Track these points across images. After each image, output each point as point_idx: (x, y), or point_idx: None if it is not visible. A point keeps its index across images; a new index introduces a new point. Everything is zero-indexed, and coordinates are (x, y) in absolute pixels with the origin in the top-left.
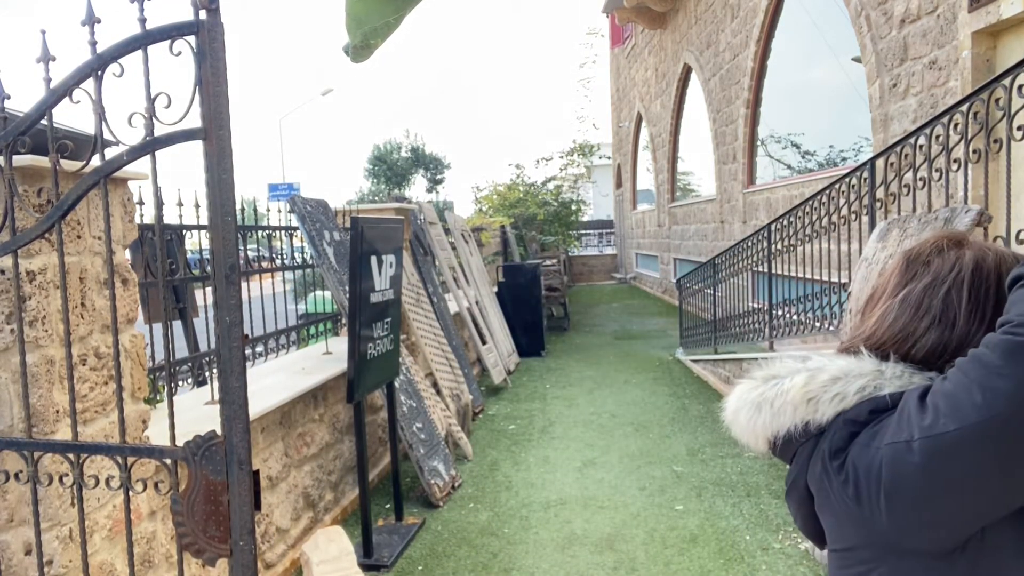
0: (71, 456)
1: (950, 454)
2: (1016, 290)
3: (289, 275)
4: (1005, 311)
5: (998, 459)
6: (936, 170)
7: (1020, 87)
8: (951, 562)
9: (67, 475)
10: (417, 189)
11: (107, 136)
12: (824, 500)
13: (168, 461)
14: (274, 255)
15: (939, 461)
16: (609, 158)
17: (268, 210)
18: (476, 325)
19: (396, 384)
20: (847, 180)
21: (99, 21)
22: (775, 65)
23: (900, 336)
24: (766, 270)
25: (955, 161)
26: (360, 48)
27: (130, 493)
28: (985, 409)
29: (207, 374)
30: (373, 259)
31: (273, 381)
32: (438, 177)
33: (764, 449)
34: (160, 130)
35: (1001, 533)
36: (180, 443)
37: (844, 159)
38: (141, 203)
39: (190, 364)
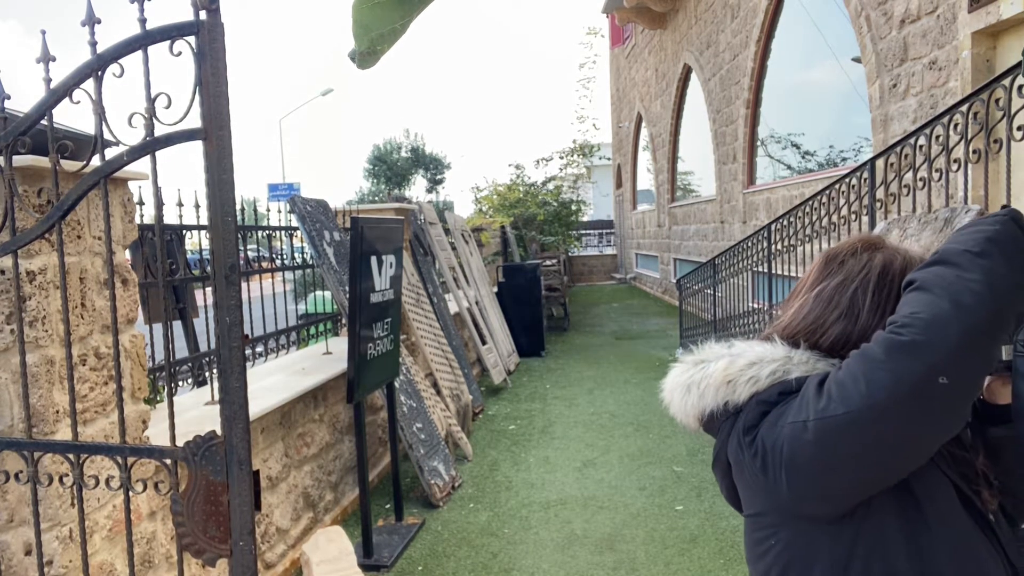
0: (71, 456)
1: (837, 434)
2: (908, 292)
3: (289, 275)
4: (897, 311)
5: (878, 440)
6: (936, 170)
7: (1020, 87)
8: (841, 526)
9: (67, 475)
10: (417, 189)
11: (107, 136)
12: (739, 471)
13: (168, 461)
14: (274, 255)
15: (828, 440)
16: (609, 158)
17: (268, 210)
18: (476, 325)
19: (396, 384)
20: (847, 180)
21: (99, 21)
22: (775, 65)
23: (811, 327)
24: (766, 270)
25: (955, 161)
26: (367, 55)
27: (130, 493)
28: (868, 397)
29: (207, 374)
30: (373, 259)
31: (273, 381)
32: (438, 177)
33: (695, 427)
34: (160, 130)
35: (884, 501)
36: (180, 443)
37: (844, 159)
38: (141, 203)
39: (190, 364)
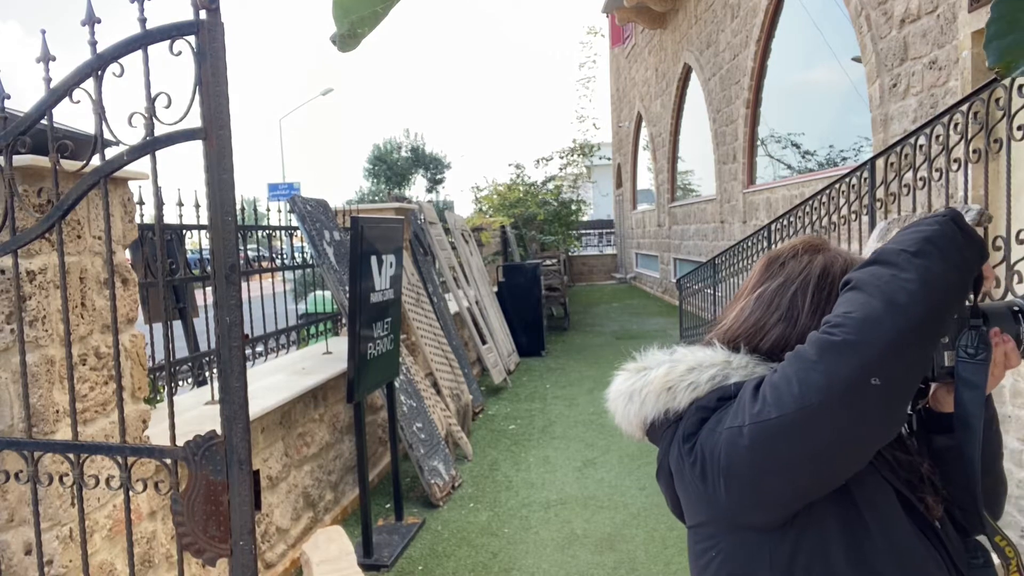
0: (71, 456)
1: (773, 439)
2: (844, 292)
3: (289, 275)
4: (833, 311)
5: (813, 444)
6: (936, 170)
7: (1020, 87)
8: (783, 534)
9: (67, 475)
10: (417, 189)
11: (107, 136)
12: (680, 480)
13: (168, 461)
14: (274, 255)
15: (764, 445)
16: (609, 158)
17: (268, 210)
18: (476, 325)
19: (396, 384)
20: (847, 180)
21: (99, 21)
22: (775, 65)
23: (752, 330)
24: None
25: (955, 161)
26: (347, 37)
27: (130, 493)
28: (800, 399)
29: (207, 374)
30: (373, 259)
31: (273, 381)
32: (438, 177)
33: (640, 436)
34: (160, 130)
35: (825, 508)
36: (180, 443)
37: (844, 159)
38: (141, 203)
39: (190, 364)
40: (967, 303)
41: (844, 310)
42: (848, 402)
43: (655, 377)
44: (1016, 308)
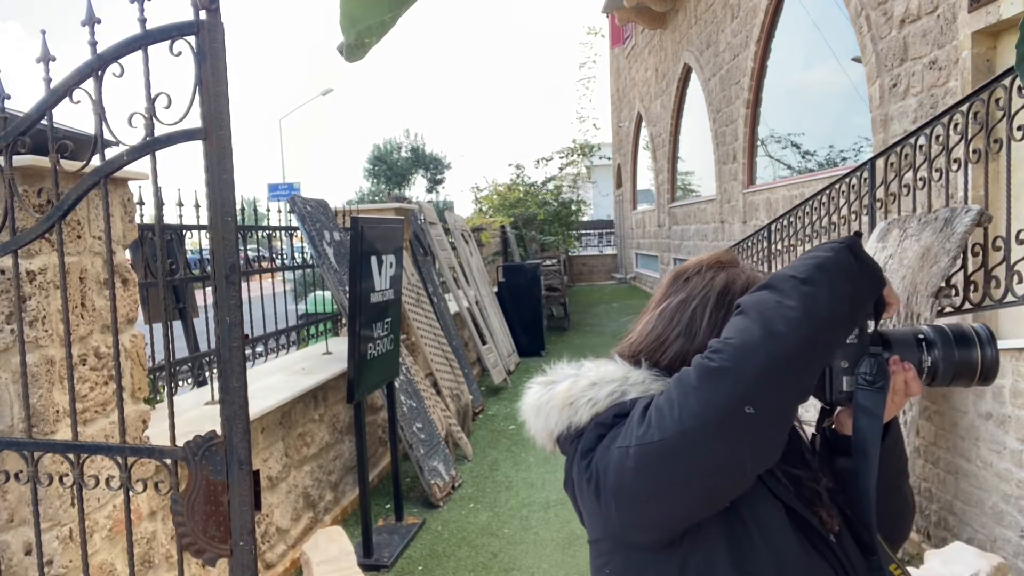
0: (71, 456)
1: (656, 461)
2: (733, 316)
3: (289, 275)
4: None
5: (692, 467)
6: (936, 170)
7: (1020, 87)
8: (671, 553)
9: (67, 475)
10: (417, 189)
11: (107, 136)
12: (580, 495)
13: (168, 461)
14: (274, 255)
15: (647, 467)
16: (609, 158)
17: (268, 210)
18: (476, 325)
19: (396, 384)
20: (847, 180)
21: (99, 21)
22: (775, 65)
23: (654, 344)
24: (766, 270)
25: (955, 161)
26: (354, 47)
27: (130, 493)
28: (679, 423)
29: (207, 374)
30: (373, 259)
31: (273, 381)
32: (438, 177)
33: (551, 448)
34: (160, 130)
35: (712, 528)
36: (180, 443)
37: (844, 159)
38: (141, 203)
39: (190, 364)
40: (868, 330)
41: (726, 335)
42: (723, 430)
43: (558, 392)
44: (921, 336)
